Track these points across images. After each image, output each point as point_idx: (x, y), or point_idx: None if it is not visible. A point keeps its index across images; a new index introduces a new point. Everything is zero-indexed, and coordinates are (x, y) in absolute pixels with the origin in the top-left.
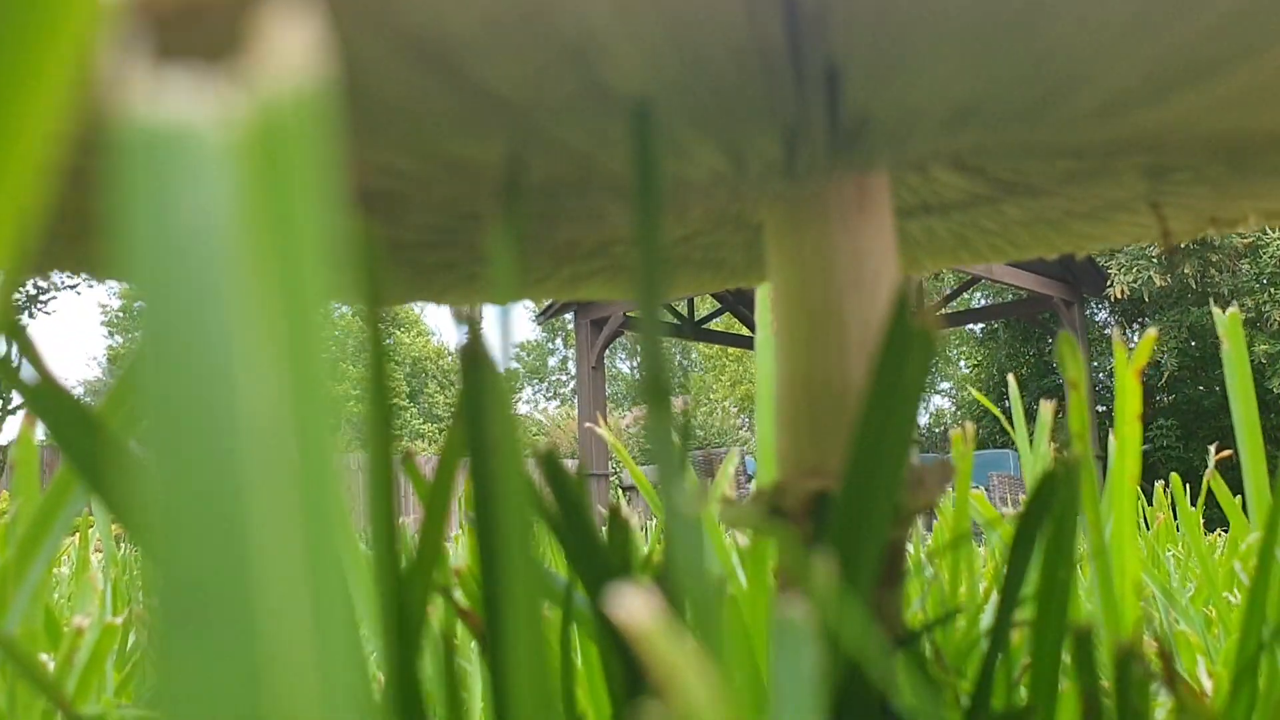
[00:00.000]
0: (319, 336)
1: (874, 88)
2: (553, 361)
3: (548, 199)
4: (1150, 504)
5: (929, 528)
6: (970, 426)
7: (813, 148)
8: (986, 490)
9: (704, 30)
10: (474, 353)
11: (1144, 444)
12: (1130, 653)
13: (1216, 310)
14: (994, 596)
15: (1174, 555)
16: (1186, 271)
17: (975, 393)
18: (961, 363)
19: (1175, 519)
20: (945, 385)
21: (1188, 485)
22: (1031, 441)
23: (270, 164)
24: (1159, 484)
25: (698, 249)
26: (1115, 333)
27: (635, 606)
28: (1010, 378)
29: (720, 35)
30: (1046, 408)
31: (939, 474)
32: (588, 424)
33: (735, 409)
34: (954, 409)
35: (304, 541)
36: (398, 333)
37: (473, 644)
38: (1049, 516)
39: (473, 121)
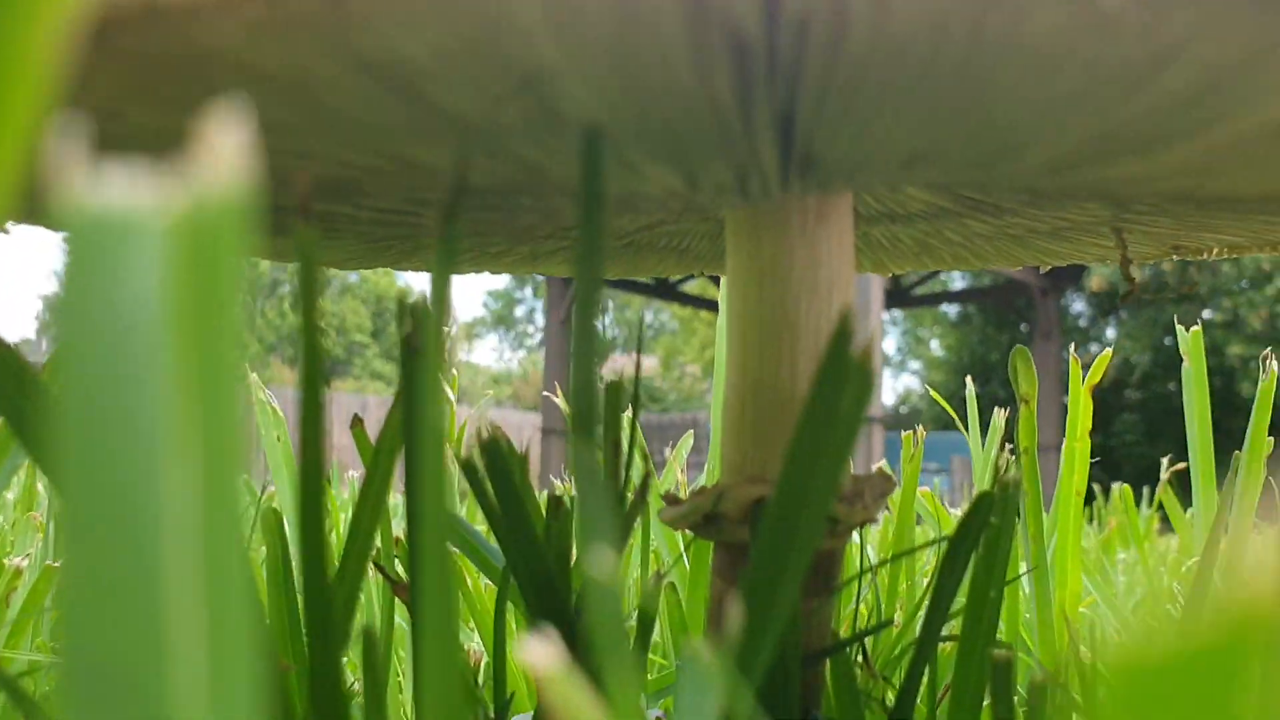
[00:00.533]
0: (232, 417)
1: (824, 138)
2: (520, 311)
3: (503, 197)
4: (1108, 503)
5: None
6: (921, 431)
7: (764, 178)
8: (948, 473)
9: (651, 76)
10: (414, 343)
11: (1110, 439)
12: (1044, 686)
13: (1180, 328)
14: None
15: (1125, 560)
16: (1166, 269)
17: (933, 393)
18: (934, 343)
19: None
20: (916, 365)
21: (1146, 487)
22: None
23: (197, 256)
24: (1116, 486)
25: (662, 236)
26: (1071, 352)
27: (540, 653)
28: (968, 380)
29: (668, 82)
30: (999, 415)
31: (878, 488)
32: (545, 393)
33: (702, 373)
34: (923, 389)
35: (211, 638)
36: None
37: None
38: (984, 536)
39: (427, 132)
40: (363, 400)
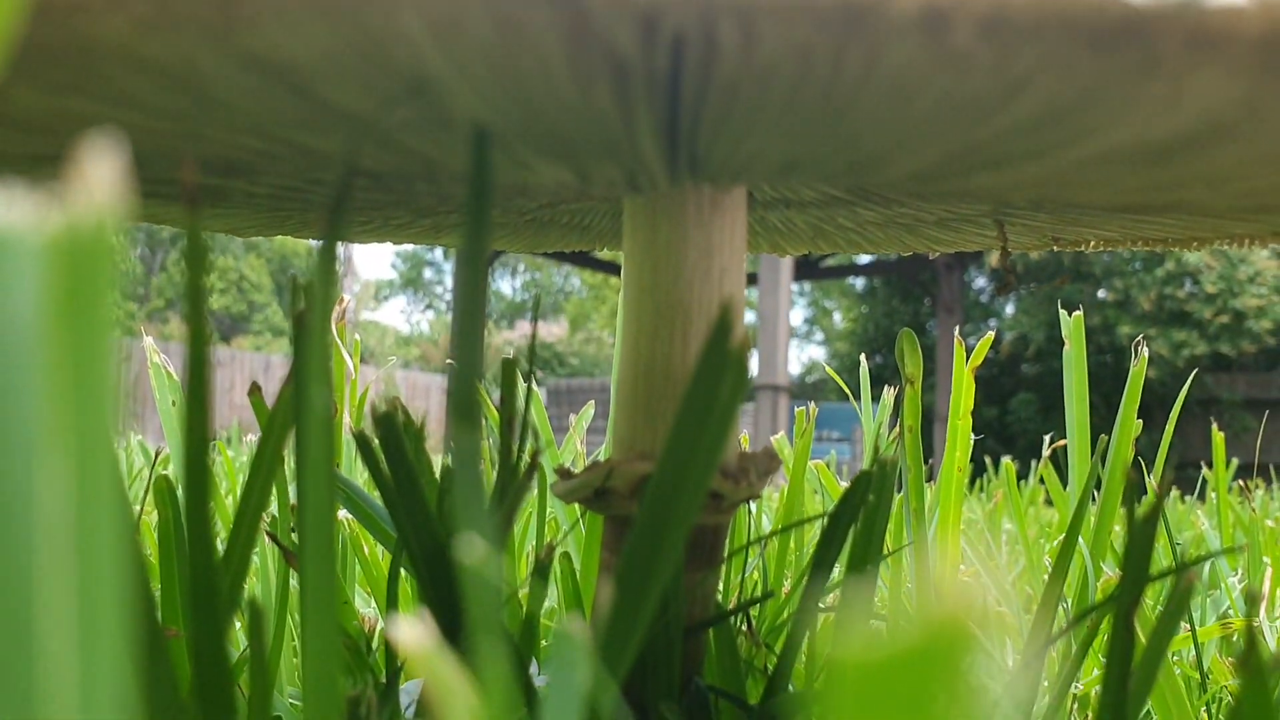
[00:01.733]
0: (105, 421)
1: (705, 146)
2: (429, 273)
3: (399, 181)
4: (998, 476)
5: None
6: (813, 407)
7: (652, 176)
8: (850, 442)
9: (534, 87)
10: (304, 321)
11: (1006, 414)
12: None
13: (1064, 313)
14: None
15: (1011, 530)
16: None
17: (829, 370)
18: (837, 315)
19: (1026, 492)
20: (822, 335)
21: (1034, 460)
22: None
23: (73, 274)
24: (1004, 460)
25: (564, 214)
26: (956, 333)
27: (410, 633)
28: (862, 358)
29: (551, 93)
30: (889, 394)
31: (763, 466)
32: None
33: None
34: (828, 358)
35: (81, 646)
36: None
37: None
38: (862, 512)
39: (318, 125)
40: (265, 359)
